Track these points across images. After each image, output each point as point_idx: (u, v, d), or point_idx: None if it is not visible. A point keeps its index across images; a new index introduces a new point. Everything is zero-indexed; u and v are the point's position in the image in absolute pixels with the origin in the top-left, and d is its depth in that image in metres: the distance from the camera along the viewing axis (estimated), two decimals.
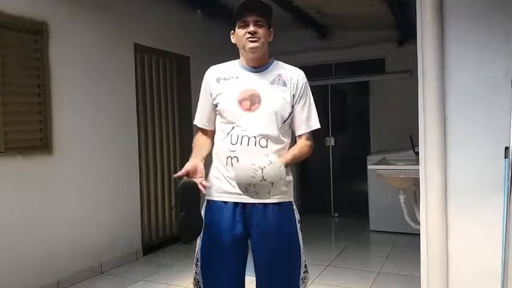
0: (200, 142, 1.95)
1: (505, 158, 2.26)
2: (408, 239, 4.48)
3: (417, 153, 2.89)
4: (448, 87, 2.44)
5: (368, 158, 5.10)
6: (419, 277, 2.56)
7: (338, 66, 6.17)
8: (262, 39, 1.80)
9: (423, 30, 2.44)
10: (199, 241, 1.88)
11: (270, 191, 1.61)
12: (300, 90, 1.86)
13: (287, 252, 1.82)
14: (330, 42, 5.87)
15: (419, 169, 2.53)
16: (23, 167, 3.22)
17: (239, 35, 1.81)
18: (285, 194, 1.83)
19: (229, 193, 1.79)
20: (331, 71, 6.14)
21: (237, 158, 1.76)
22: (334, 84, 6.22)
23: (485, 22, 2.38)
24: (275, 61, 1.90)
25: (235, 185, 1.69)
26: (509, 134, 2.21)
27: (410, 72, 5.24)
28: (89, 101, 3.78)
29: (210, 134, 1.95)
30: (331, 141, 6.14)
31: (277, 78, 1.84)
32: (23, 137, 3.27)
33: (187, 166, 1.76)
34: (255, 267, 1.84)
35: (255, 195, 1.62)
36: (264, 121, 1.78)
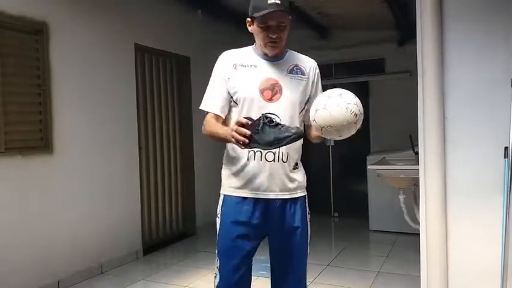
0: (215, 122, 1.83)
1: (505, 158, 2.26)
2: (408, 239, 4.48)
3: (416, 153, 2.89)
4: (448, 87, 2.45)
5: (368, 158, 5.10)
6: (419, 277, 2.56)
7: (338, 66, 6.17)
8: (282, 42, 1.80)
9: (423, 30, 2.45)
10: (218, 237, 1.88)
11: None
12: (317, 80, 1.92)
13: (300, 244, 1.88)
14: (330, 42, 5.87)
15: (418, 169, 2.54)
16: (23, 167, 3.22)
17: (259, 34, 1.78)
18: (302, 188, 1.88)
19: (249, 189, 1.79)
20: (331, 71, 6.15)
21: (259, 151, 1.73)
22: (334, 84, 6.22)
23: (485, 22, 2.38)
24: (289, 51, 1.91)
25: (256, 180, 1.76)
26: (509, 134, 2.21)
27: (410, 72, 5.25)
28: (89, 101, 3.77)
29: (221, 122, 1.85)
30: (331, 141, 6.14)
31: (294, 68, 1.85)
32: (23, 137, 3.27)
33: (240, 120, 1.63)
34: (270, 260, 1.90)
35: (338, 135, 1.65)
36: (286, 111, 1.78)
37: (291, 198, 1.84)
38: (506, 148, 2.26)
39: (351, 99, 1.63)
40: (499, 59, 2.35)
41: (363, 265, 4.01)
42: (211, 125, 1.81)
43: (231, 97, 1.81)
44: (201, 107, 1.87)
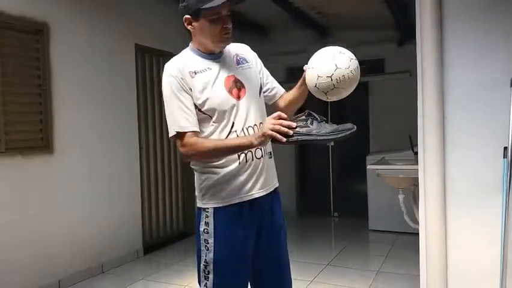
0: (210, 139, 1.68)
1: (504, 158, 2.27)
2: (407, 239, 4.49)
3: (416, 153, 2.90)
4: (447, 88, 2.45)
5: (368, 157, 5.11)
6: (418, 276, 2.57)
7: None
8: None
9: (423, 31, 2.45)
10: (209, 254, 1.71)
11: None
12: (260, 62, 1.87)
13: (285, 243, 1.86)
14: (330, 42, 5.86)
15: (418, 169, 2.54)
16: (23, 167, 3.22)
17: (213, 29, 1.63)
18: (275, 177, 1.85)
19: (243, 193, 1.69)
20: None
21: (250, 150, 1.65)
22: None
23: (485, 22, 2.39)
24: None
25: (246, 182, 1.68)
26: (509, 134, 2.22)
27: (410, 72, 5.25)
28: (89, 101, 3.78)
29: None
30: (330, 141, 6.14)
31: (238, 58, 1.78)
32: (23, 137, 3.28)
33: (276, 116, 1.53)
34: (259, 259, 1.79)
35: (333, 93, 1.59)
36: (256, 105, 1.74)
37: (275, 189, 1.81)
38: (505, 148, 2.26)
39: (351, 54, 1.62)
40: (498, 59, 2.35)
41: (363, 265, 4.01)
42: (211, 141, 1.65)
43: (199, 109, 1.65)
44: (177, 130, 1.63)
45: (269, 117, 1.55)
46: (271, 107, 1.88)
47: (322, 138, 1.50)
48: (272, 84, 1.87)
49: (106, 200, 3.94)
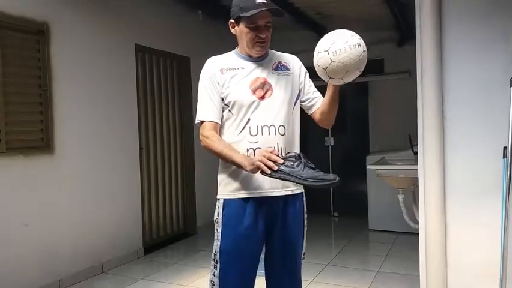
0: (223, 141, 1.80)
1: (504, 157, 2.28)
2: (407, 238, 4.49)
3: (416, 153, 2.91)
4: (447, 88, 2.46)
5: (367, 157, 5.11)
6: (418, 276, 2.57)
7: None
8: (269, 42, 1.84)
9: (422, 31, 2.46)
10: (217, 243, 1.81)
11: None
12: (305, 73, 1.95)
13: (299, 245, 1.88)
14: None
15: (418, 169, 2.55)
16: (24, 167, 3.22)
17: (247, 36, 1.79)
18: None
19: (251, 189, 1.77)
20: None
21: (259, 147, 1.75)
22: None
23: (485, 22, 2.40)
24: (270, 50, 1.92)
25: (257, 179, 1.74)
26: (508, 134, 2.23)
27: (409, 72, 5.27)
28: (90, 101, 3.79)
29: (218, 130, 1.84)
30: (330, 141, 6.16)
31: (279, 65, 1.89)
32: (24, 137, 3.28)
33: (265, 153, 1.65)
34: (268, 259, 1.87)
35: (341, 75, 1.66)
36: (279, 108, 1.80)
37: (293, 195, 1.84)
38: (505, 148, 2.27)
39: (354, 34, 1.68)
40: (498, 59, 2.36)
41: (363, 264, 4.02)
42: (220, 144, 1.76)
43: (223, 100, 1.81)
44: (199, 118, 1.82)
45: (263, 149, 1.69)
46: (311, 117, 1.97)
47: (300, 181, 1.62)
48: (312, 95, 1.94)
49: (107, 200, 3.94)
